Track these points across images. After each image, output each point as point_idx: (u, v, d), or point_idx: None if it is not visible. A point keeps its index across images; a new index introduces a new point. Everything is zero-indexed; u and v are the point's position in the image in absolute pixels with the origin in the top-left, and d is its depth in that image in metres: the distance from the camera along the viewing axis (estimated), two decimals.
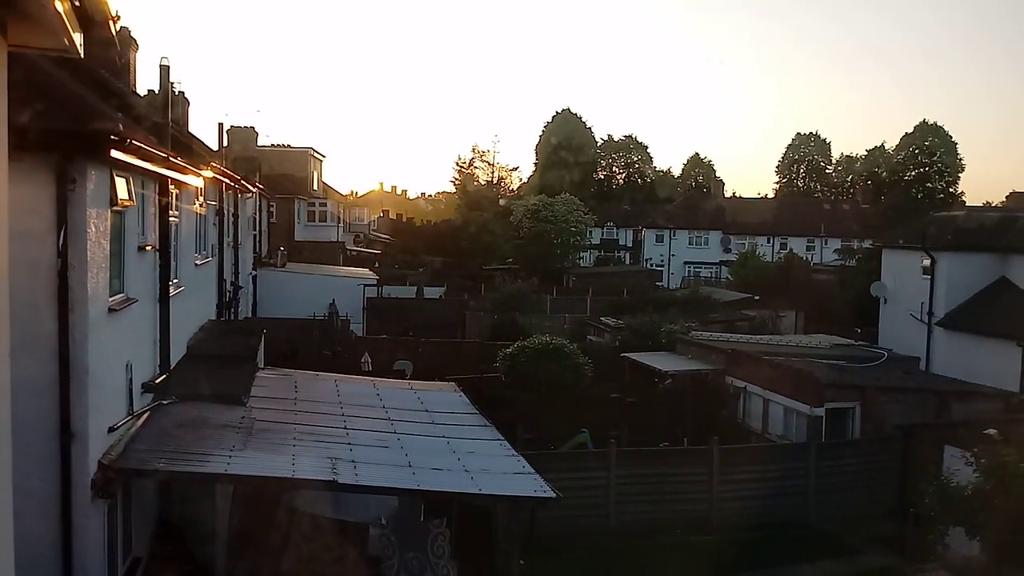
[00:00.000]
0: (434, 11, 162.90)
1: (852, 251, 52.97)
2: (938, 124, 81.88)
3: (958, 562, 12.58)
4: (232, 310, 21.57)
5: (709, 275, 61.80)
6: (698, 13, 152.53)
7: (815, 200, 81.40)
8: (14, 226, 3.82)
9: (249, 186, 25.13)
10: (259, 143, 45.98)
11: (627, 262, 68.45)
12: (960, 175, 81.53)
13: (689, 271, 63.95)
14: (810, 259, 59.01)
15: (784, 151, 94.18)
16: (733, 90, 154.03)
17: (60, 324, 7.84)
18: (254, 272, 29.72)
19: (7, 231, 3.70)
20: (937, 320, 26.93)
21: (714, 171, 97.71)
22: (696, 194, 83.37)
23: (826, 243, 65.67)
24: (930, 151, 79.85)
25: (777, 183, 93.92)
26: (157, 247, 11.33)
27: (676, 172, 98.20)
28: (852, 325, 31.91)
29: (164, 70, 18.18)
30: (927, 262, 27.64)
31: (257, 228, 32.38)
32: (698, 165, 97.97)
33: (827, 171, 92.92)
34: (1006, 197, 64.59)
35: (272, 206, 41.48)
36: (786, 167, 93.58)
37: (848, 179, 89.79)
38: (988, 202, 67.95)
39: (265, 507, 11.14)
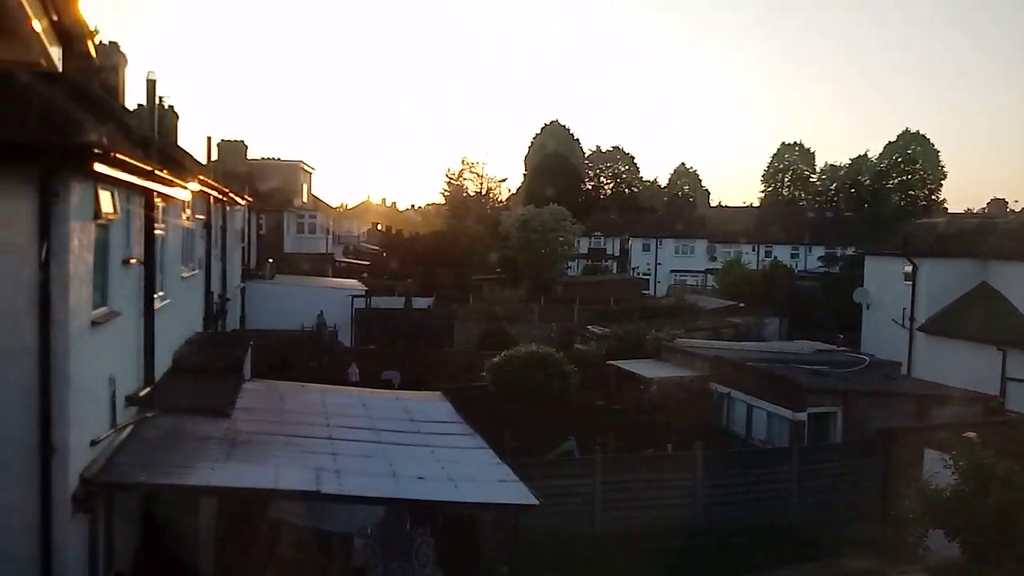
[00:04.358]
0: (425, 24, 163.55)
1: (835, 258, 53.43)
2: (921, 132, 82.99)
3: (938, 564, 12.71)
4: (220, 322, 21.56)
5: (695, 283, 62.11)
6: (686, 25, 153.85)
7: (799, 208, 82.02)
8: None
9: (238, 199, 25.16)
10: (249, 156, 46.04)
11: (614, 271, 68.67)
12: (942, 182, 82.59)
13: (675, 279, 64.26)
14: (794, 266, 59.46)
15: (769, 160, 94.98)
16: (719, 101, 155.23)
17: (42, 337, 7.87)
18: (242, 284, 29.68)
19: None
20: (919, 325, 27.26)
21: (700, 181, 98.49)
22: (682, 203, 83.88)
23: (810, 251, 66.21)
24: (912, 159, 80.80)
25: (762, 192, 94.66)
26: (142, 260, 11.36)
27: (663, 182, 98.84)
28: (835, 331, 32.21)
29: (151, 84, 18.25)
30: (909, 268, 27.99)
31: (246, 240, 32.35)
32: (684, 175, 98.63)
33: (811, 180, 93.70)
34: (987, 204, 65.31)
35: (261, 219, 41.47)
36: (771, 176, 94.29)
37: (832, 187, 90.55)
38: (969, 209, 68.89)
39: (249, 519, 11.17)
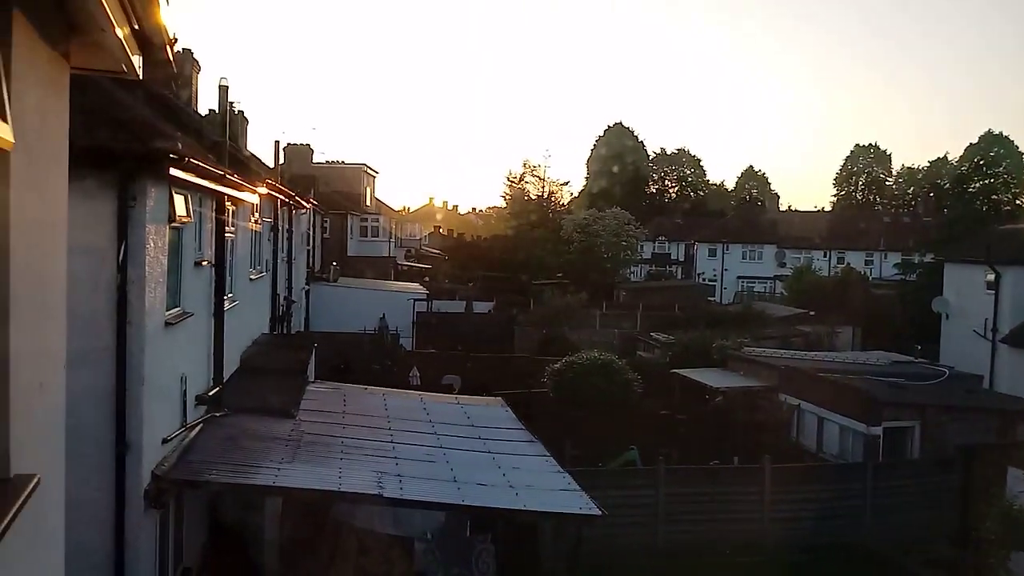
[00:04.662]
0: (486, 28, 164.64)
1: (913, 265, 51.52)
2: (1004, 134, 79.44)
3: None
4: (285, 324, 21.96)
5: (763, 290, 60.69)
6: (752, 26, 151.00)
7: (874, 213, 79.56)
8: (77, 242, 3.98)
9: (303, 202, 25.63)
10: (314, 160, 47.01)
11: (679, 277, 67.70)
12: None
13: (742, 286, 62.91)
14: (868, 274, 57.60)
15: (842, 163, 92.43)
16: (789, 102, 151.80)
17: (118, 337, 8.10)
18: (307, 287, 30.22)
19: (65, 247, 3.85)
20: (1002, 337, 25.97)
21: (769, 184, 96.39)
22: (750, 207, 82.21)
23: (885, 257, 64.05)
24: (995, 161, 77.32)
25: (834, 196, 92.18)
26: (213, 262, 11.62)
27: (730, 185, 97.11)
28: (912, 342, 30.97)
29: (223, 90, 18.73)
30: (991, 277, 26.72)
31: (311, 243, 32.97)
32: (752, 178, 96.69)
33: (887, 183, 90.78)
34: None
35: (326, 222, 42.23)
36: (844, 179, 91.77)
37: (909, 191, 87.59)
38: None
39: (314, 520, 11.29)
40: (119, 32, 3.32)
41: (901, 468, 17.90)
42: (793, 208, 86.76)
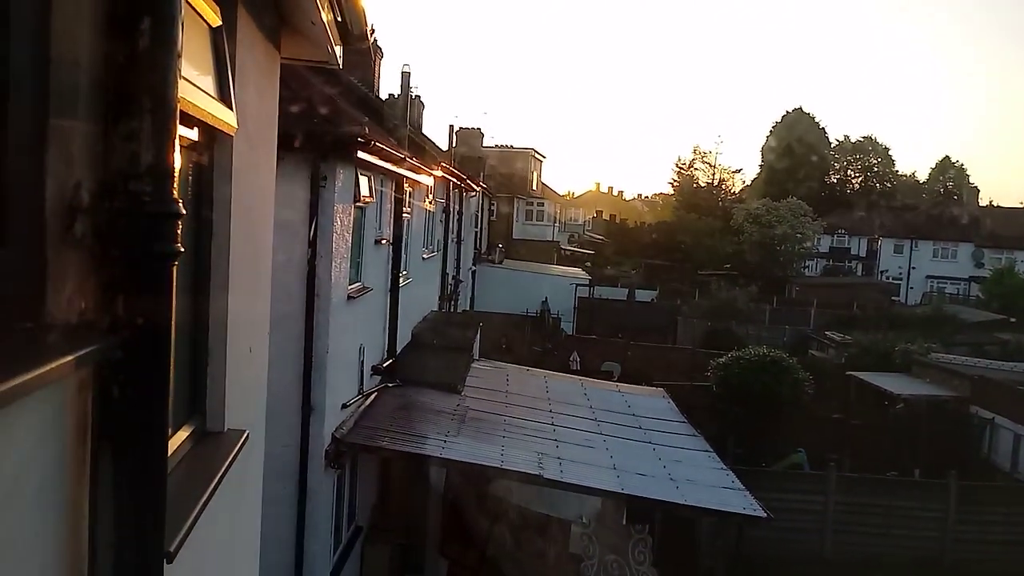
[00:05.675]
0: (659, 10, 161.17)
1: None
2: None
3: None
4: (452, 302, 22.73)
5: (956, 292, 55.68)
6: (949, 4, 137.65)
7: None
8: (275, 218, 4.32)
9: (473, 185, 26.31)
10: (484, 144, 48.20)
11: (859, 273, 63.44)
12: None
13: (932, 286, 57.99)
14: None
15: None
16: (994, 85, 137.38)
17: (307, 307, 8.72)
18: (473, 267, 31.07)
19: (272, 223, 4.18)
20: None
21: (967, 176, 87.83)
22: (945, 201, 75.41)
23: None
24: None
25: None
26: (391, 241, 12.21)
27: (922, 177, 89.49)
28: None
29: (405, 77, 19.56)
30: None
31: (478, 225, 33.83)
32: (948, 169, 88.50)
33: None
34: None
35: (493, 204, 43.18)
36: None
37: None
38: None
39: (476, 492, 11.66)
40: (325, 19, 3.55)
41: None
42: (995, 203, 78.62)
